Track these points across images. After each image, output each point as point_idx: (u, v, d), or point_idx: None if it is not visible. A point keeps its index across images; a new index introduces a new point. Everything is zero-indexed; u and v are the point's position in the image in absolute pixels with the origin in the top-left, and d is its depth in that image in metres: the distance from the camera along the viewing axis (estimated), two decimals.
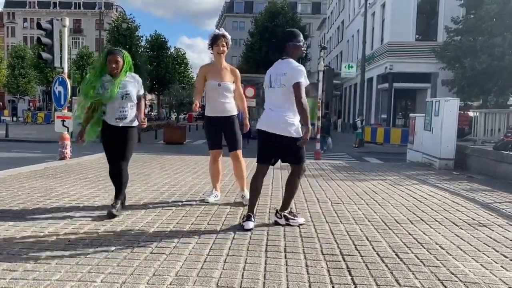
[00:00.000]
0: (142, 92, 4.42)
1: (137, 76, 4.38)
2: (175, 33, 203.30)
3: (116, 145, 4.27)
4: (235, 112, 4.96)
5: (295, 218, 4.16)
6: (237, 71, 5.02)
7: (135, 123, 4.33)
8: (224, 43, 4.82)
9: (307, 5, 72.77)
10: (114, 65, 4.16)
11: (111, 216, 4.15)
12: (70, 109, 11.42)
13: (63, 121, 9.86)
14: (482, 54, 17.67)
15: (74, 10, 74.38)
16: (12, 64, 53.23)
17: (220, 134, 4.97)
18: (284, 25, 37.78)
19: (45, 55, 9.93)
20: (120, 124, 4.23)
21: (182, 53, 54.55)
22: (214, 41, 4.82)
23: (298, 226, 4.08)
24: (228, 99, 4.88)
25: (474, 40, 18.93)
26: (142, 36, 42.25)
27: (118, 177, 4.33)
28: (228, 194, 5.57)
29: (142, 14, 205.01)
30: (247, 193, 5.04)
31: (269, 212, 4.66)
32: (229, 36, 4.89)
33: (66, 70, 10.11)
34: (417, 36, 25.21)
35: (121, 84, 4.19)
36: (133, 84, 4.28)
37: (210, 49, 4.90)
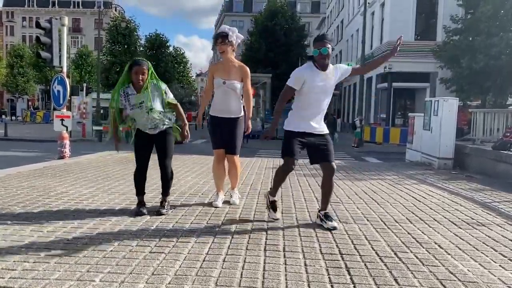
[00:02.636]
0: (170, 96, 4.30)
1: (161, 85, 4.25)
2: (171, 31, 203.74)
3: (154, 147, 4.32)
4: (239, 114, 4.78)
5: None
6: (246, 67, 4.78)
7: (170, 123, 4.34)
8: (224, 42, 4.64)
9: (307, 4, 72.70)
10: (141, 77, 4.09)
11: (159, 214, 4.27)
12: (69, 108, 11.41)
13: (62, 120, 9.86)
14: (479, 54, 17.70)
15: (73, 9, 74.27)
16: (11, 63, 53.18)
17: (223, 133, 4.78)
18: (283, 24, 37.84)
19: (44, 54, 9.93)
20: (155, 132, 4.27)
21: (181, 52, 54.56)
22: (215, 40, 4.78)
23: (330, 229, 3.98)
24: (233, 99, 4.70)
25: (472, 39, 18.96)
26: (141, 38, 42.24)
27: (164, 175, 4.39)
28: (227, 194, 5.57)
29: (137, 12, 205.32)
30: (236, 195, 5.09)
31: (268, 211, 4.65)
32: (231, 33, 4.67)
33: (65, 69, 10.11)
34: (416, 35, 25.22)
35: (146, 96, 4.12)
36: (157, 94, 4.22)
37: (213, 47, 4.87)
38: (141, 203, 4.42)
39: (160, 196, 4.56)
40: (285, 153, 4.00)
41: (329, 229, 3.96)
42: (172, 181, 4.51)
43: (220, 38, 4.67)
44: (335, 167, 4.07)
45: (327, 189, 4.17)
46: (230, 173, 5.02)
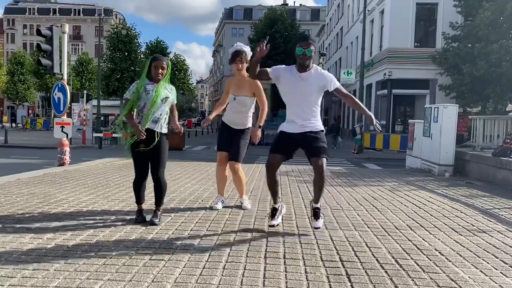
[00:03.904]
0: (175, 102, 4.45)
1: (173, 87, 4.43)
2: (170, 38, 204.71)
3: (149, 153, 4.26)
4: (247, 126, 4.99)
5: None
6: (257, 82, 4.84)
7: (166, 131, 4.35)
8: (242, 60, 4.85)
9: (306, 12, 73.12)
10: (160, 71, 4.21)
11: (152, 224, 4.20)
12: (69, 115, 11.43)
13: (62, 127, 9.87)
14: (480, 61, 17.75)
15: (74, 16, 74.68)
16: (12, 71, 53.35)
17: (229, 140, 4.97)
18: (283, 31, 37.99)
19: (44, 61, 9.96)
20: (153, 127, 4.23)
21: (181, 59, 54.70)
22: (234, 57, 4.88)
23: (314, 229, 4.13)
24: (242, 113, 4.92)
25: (472, 46, 19.02)
26: (141, 45, 42.35)
27: (158, 186, 4.36)
28: (228, 200, 5.56)
29: (135, 19, 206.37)
30: (246, 201, 5.17)
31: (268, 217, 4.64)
32: (247, 51, 4.88)
33: (65, 76, 10.13)
34: (415, 42, 25.31)
35: (163, 89, 4.23)
36: (171, 93, 4.34)
37: (230, 64, 5.00)
38: (140, 211, 4.41)
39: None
40: (270, 150, 4.17)
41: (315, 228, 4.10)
42: (165, 191, 4.46)
43: (239, 57, 4.85)
44: (320, 162, 3.98)
45: (316, 185, 4.14)
46: (234, 182, 5.12)
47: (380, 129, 4.24)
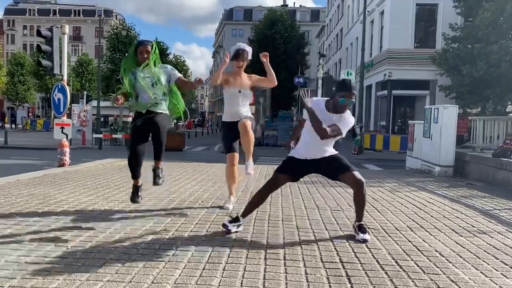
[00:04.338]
0: (177, 75, 4.37)
1: (165, 65, 4.40)
2: (169, 39, 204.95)
3: (148, 129, 4.23)
4: (249, 114, 5.18)
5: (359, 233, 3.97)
6: (252, 75, 5.20)
7: (166, 112, 4.33)
8: (246, 58, 5.02)
9: (306, 13, 73.12)
10: (146, 55, 4.19)
11: (155, 184, 4.28)
12: (69, 116, 11.43)
13: (62, 128, 9.87)
14: (479, 62, 17.75)
15: (74, 17, 74.67)
16: (12, 71, 53.35)
17: (236, 138, 5.08)
18: (283, 32, 37.98)
19: (44, 62, 9.95)
20: (152, 109, 4.21)
21: (182, 60, 54.71)
22: (236, 56, 5.03)
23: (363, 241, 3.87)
24: (246, 106, 5.13)
25: (472, 47, 19.02)
26: None
27: (156, 140, 4.27)
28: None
29: (134, 20, 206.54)
30: (251, 165, 5.14)
31: (268, 219, 4.64)
32: (249, 51, 5.07)
33: (65, 77, 10.14)
34: (416, 43, 25.32)
35: (150, 72, 4.20)
36: (162, 72, 4.29)
37: (232, 60, 5.11)
38: (137, 188, 4.37)
39: (160, 203, 4.54)
40: (278, 168, 4.15)
41: (360, 241, 3.85)
42: (163, 147, 4.37)
43: (242, 55, 5.02)
44: (358, 176, 3.88)
45: (358, 203, 4.02)
46: (244, 142, 5.04)
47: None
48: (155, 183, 4.30)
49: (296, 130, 4.54)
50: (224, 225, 4.04)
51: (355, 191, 4.00)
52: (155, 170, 4.38)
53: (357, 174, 3.95)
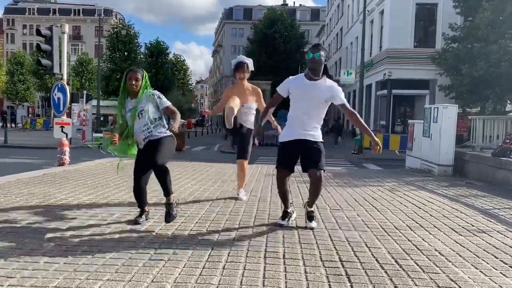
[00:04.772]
0: (165, 104, 4.22)
1: (153, 92, 4.25)
2: (169, 38, 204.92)
3: (148, 156, 4.12)
4: (252, 126, 5.57)
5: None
6: (258, 89, 5.66)
7: (166, 134, 4.22)
8: (246, 70, 5.45)
9: (306, 12, 73.14)
10: (134, 82, 4.14)
11: (169, 221, 4.05)
12: (69, 116, 11.43)
13: (62, 127, 9.87)
14: (479, 61, 17.76)
15: (74, 16, 74.64)
16: (11, 71, 53.36)
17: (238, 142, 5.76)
18: (283, 32, 38.02)
19: (44, 61, 9.95)
20: (148, 138, 4.16)
21: (181, 59, 54.73)
22: (237, 68, 5.44)
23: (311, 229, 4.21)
24: (249, 116, 5.53)
25: (471, 47, 19.03)
26: (141, 45, 42.39)
27: (157, 171, 4.03)
28: (227, 201, 5.57)
29: (134, 20, 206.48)
30: (242, 193, 5.77)
31: (268, 218, 4.65)
32: (250, 63, 5.50)
33: (65, 77, 10.13)
34: (415, 43, 25.33)
35: (137, 101, 4.15)
36: (149, 100, 4.17)
37: (233, 73, 5.55)
38: (142, 212, 4.36)
39: (160, 203, 4.51)
40: (276, 163, 4.30)
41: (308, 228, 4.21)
42: (168, 177, 4.04)
43: (242, 67, 5.43)
44: (319, 174, 4.07)
45: (313, 193, 4.27)
46: (238, 175, 5.82)
47: (381, 152, 4.26)
48: (165, 220, 4.12)
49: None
50: (279, 225, 4.30)
51: (311, 184, 4.21)
52: (166, 206, 4.11)
53: (319, 173, 4.07)
